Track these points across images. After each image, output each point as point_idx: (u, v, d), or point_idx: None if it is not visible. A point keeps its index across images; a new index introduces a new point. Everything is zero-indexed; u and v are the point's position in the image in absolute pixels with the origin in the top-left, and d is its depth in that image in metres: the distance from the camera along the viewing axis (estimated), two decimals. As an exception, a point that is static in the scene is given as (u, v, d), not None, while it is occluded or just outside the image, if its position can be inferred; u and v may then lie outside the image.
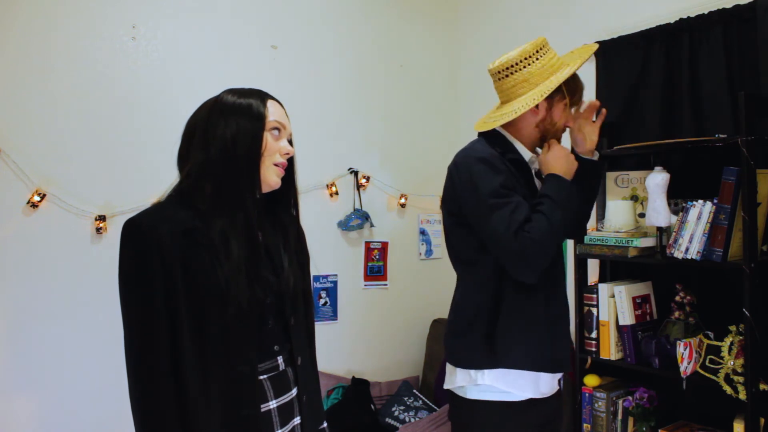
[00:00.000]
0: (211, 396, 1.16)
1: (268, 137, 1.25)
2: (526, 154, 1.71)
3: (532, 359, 1.59)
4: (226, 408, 1.17)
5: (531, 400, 1.62)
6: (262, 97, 1.28)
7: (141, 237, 1.15)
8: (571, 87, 1.68)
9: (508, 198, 1.54)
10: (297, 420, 1.30)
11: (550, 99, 1.66)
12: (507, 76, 1.67)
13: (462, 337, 1.65)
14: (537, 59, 1.64)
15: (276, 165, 1.26)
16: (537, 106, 1.65)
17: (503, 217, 1.51)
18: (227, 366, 1.17)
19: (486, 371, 1.60)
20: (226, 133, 1.21)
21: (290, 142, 1.32)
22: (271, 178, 1.26)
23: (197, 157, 1.21)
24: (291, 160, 1.33)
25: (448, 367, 1.71)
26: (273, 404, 1.25)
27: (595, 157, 1.78)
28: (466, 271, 1.70)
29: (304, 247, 1.40)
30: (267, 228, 1.31)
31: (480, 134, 1.74)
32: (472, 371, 1.62)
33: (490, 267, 1.61)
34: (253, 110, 1.24)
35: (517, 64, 1.64)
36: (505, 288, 1.60)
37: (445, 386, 1.72)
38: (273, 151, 1.25)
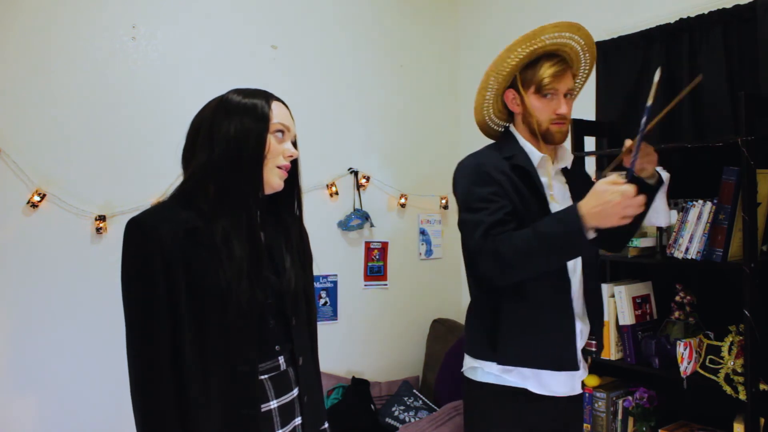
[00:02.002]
0: (211, 396, 1.16)
1: (271, 139, 1.24)
2: (539, 154, 1.67)
3: (531, 357, 1.58)
4: (226, 408, 1.17)
5: (536, 394, 1.61)
6: (267, 98, 1.27)
7: (142, 236, 1.15)
8: (529, 77, 1.64)
9: (492, 204, 1.53)
10: (298, 420, 1.30)
11: (519, 93, 1.65)
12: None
13: (470, 330, 1.71)
14: (494, 77, 1.66)
15: (279, 167, 1.25)
16: (518, 103, 1.66)
17: (476, 218, 1.53)
18: (227, 366, 1.17)
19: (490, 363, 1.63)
20: (230, 134, 1.20)
21: (294, 144, 1.31)
22: (273, 180, 1.25)
23: (201, 157, 1.21)
24: (295, 162, 1.31)
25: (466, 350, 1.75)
26: (274, 404, 1.24)
27: (652, 180, 1.61)
28: (468, 269, 1.72)
29: (307, 248, 1.40)
30: (269, 228, 1.30)
31: (501, 135, 1.77)
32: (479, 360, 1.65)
33: None
34: (257, 111, 1.23)
35: (484, 88, 1.69)
36: (503, 290, 1.58)
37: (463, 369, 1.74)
38: (276, 153, 1.25)
